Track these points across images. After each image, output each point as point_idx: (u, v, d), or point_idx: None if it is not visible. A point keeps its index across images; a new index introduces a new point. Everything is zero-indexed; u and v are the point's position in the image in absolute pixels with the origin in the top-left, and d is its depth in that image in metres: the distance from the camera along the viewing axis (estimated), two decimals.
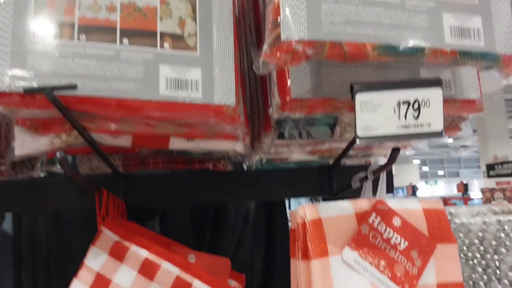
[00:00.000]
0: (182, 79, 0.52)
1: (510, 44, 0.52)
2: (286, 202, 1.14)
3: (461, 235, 2.64)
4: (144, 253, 0.59)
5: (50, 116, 0.51)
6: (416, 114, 0.49)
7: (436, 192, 20.81)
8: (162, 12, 0.52)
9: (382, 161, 0.83)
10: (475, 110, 0.63)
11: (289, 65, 0.46)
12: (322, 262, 0.52)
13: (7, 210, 0.87)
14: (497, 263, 2.51)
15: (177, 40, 0.53)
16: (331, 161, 0.81)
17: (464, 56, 0.50)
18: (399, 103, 0.49)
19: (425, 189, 20.85)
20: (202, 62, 0.53)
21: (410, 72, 0.58)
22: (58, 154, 0.49)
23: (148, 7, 0.52)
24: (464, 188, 13.26)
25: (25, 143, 0.54)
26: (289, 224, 0.97)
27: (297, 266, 0.54)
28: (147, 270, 0.58)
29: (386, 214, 0.55)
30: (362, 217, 0.55)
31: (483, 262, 2.55)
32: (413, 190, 15.01)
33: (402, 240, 0.55)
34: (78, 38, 0.50)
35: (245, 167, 0.79)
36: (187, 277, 0.58)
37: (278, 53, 0.45)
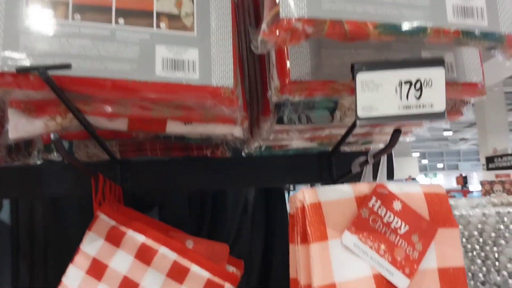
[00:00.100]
0: (179, 59, 0.50)
1: None
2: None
3: (460, 227, 2.64)
4: (141, 238, 0.58)
5: (44, 98, 0.50)
6: (418, 94, 0.47)
7: None
8: None
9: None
10: (477, 93, 0.61)
11: (288, 44, 0.45)
12: (322, 245, 0.51)
13: (4, 197, 0.86)
14: (496, 254, 2.50)
15: (174, 20, 0.52)
16: (330, 148, 0.80)
17: (467, 36, 0.48)
18: (401, 82, 0.47)
19: (424, 182, 20.85)
20: (199, 42, 0.52)
21: (411, 53, 0.56)
22: (52, 136, 0.48)
23: None
24: (463, 181, 13.29)
25: (19, 126, 0.53)
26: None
27: (296, 251, 0.54)
28: (144, 255, 0.58)
29: (387, 198, 0.54)
30: (362, 200, 0.54)
31: (482, 254, 2.54)
32: None
33: (403, 224, 0.54)
34: (73, 18, 0.49)
35: (244, 154, 0.78)
36: (184, 262, 0.58)
37: (277, 31, 0.44)
